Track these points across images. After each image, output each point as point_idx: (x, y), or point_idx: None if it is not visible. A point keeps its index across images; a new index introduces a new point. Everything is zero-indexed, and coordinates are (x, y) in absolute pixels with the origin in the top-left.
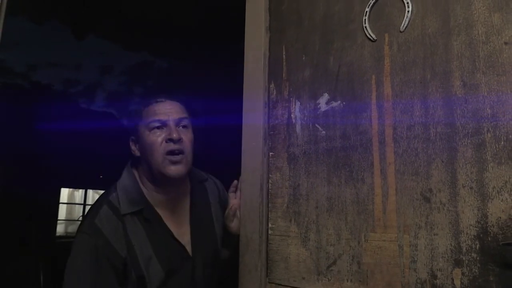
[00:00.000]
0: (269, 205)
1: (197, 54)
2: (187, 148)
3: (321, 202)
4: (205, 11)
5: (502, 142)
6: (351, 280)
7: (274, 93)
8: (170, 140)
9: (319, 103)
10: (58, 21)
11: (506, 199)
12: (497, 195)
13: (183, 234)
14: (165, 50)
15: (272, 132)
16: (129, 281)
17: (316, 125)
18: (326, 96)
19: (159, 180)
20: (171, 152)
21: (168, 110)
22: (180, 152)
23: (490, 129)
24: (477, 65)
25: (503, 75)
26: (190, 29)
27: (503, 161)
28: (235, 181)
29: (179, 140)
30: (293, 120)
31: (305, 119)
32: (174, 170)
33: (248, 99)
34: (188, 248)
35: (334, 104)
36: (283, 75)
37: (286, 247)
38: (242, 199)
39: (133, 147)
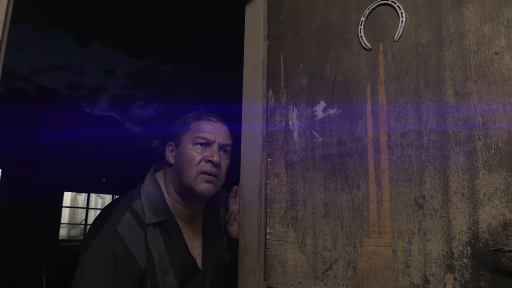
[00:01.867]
0: (267, 210)
1: (200, 60)
2: (222, 173)
3: (318, 208)
4: (209, 18)
5: (493, 150)
6: (346, 285)
7: (272, 100)
8: (210, 161)
9: (316, 111)
10: (63, 29)
11: (497, 205)
12: (488, 201)
13: (195, 247)
14: (168, 57)
15: (270, 139)
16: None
17: (313, 132)
18: (322, 104)
19: (186, 193)
20: (207, 173)
21: (217, 132)
22: (215, 176)
23: (481, 137)
24: (469, 75)
25: (493, 84)
26: (194, 35)
27: (493, 168)
28: (235, 187)
29: (218, 165)
30: (291, 127)
31: (302, 126)
32: (206, 188)
33: (247, 106)
34: (199, 261)
35: (331, 111)
36: (281, 82)
37: (283, 251)
38: (241, 204)
39: (169, 153)
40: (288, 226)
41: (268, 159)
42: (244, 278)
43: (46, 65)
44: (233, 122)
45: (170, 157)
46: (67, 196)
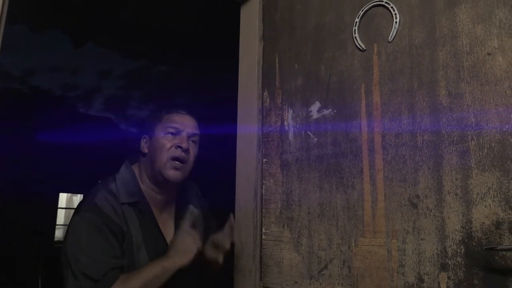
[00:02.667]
0: (263, 210)
1: (196, 61)
2: (190, 159)
3: (313, 208)
4: (204, 19)
5: (486, 150)
6: (342, 284)
7: (268, 100)
8: (179, 147)
9: (311, 111)
10: (57, 30)
11: (490, 205)
12: (481, 201)
13: (168, 233)
14: (164, 58)
15: (265, 139)
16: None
17: (308, 132)
18: (317, 104)
19: (157, 179)
20: (176, 158)
21: (185, 123)
22: (184, 161)
23: (474, 137)
24: (462, 75)
25: (486, 84)
26: (189, 36)
27: (486, 168)
28: (231, 218)
29: (186, 150)
30: (286, 128)
31: (298, 126)
32: (173, 174)
33: (242, 107)
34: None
35: (326, 112)
36: (276, 83)
37: (279, 251)
38: (237, 205)
39: (143, 144)
40: (283, 226)
41: (264, 160)
42: (240, 279)
43: (41, 65)
44: (230, 123)
45: (145, 147)
46: (63, 197)
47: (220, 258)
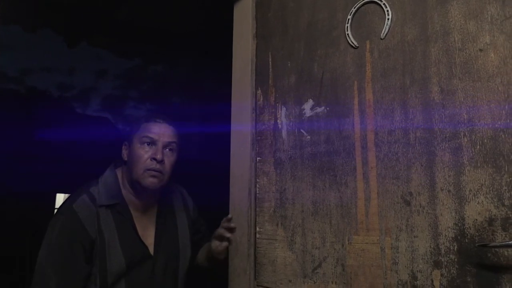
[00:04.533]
0: (257, 209)
1: (191, 60)
2: (166, 169)
3: (307, 206)
4: (198, 19)
5: (478, 146)
6: (335, 282)
7: (261, 99)
8: (154, 159)
9: (304, 109)
10: (51, 30)
11: (482, 201)
12: (473, 198)
13: (147, 236)
14: (159, 57)
15: (259, 138)
16: (94, 263)
17: (301, 130)
18: (310, 102)
19: (136, 186)
20: (152, 169)
21: (161, 132)
22: (159, 172)
23: (466, 134)
24: (454, 72)
25: (478, 81)
26: (184, 36)
27: (479, 164)
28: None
29: (161, 161)
30: (279, 126)
31: (291, 124)
32: (150, 183)
33: (236, 105)
34: (151, 249)
35: (318, 109)
36: (270, 81)
37: (273, 250)
38: (231, 203)
39: (124, 151)
40: (277, 224)
41: (258, 158)
42: (235, 278)
43: (36, 66)
44: (225, 121)
45: (125, 155)
46: (60, 198)
47: (224, 245)
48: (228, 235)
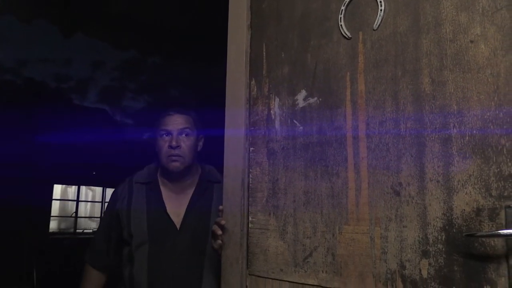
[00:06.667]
0: (250, 199)
1: (188, 52)
2: (185, 151)
3: (298, 196)
4: (193, 11)
5: (467, 137)
6: (326, 271)
7: (255, 89)
8: (170, 147)
9: (297, 99)
10: (46, 20)
11: (470, 192)
12: (462, 188)
13: (177, 213)
14: (155, 49)
15: (252, 128)
16: (123, 226)
17: (294, 121)
18: (303, 93)
19: (165, 171)
20: (171, 155)
21: (174, 122)
22: (178, 155)
23: (456, 125)
24: (445, 63)
25: (468, 72)
26: (179, 28)
27: (467, 155)
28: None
29: (177, 147)
30: (273, 116)
31: (284, 115)
32: (173, 167)
33: (230, 95)
34: (178, 224)
35: (311, 100)
36: (263, 71)
37: (265, 240)
38: (225, 193)
39: (156, 148)
40: (269, 214)
41: (251, 148)
42: (227, 267)
43: (32, 57)
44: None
45: (156, 148)
46: (57, 189)
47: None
48: (219, 232)
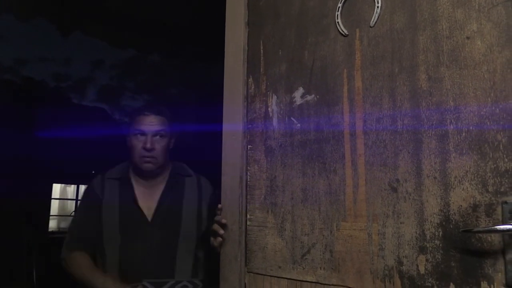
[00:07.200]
0: (248, 196)
1: (187, 51)
2: (159, 153)
3: (296, 193)
4: (192, 9)
5: (464, 134)
6: (324, 268)
7: (253, 87)
8: (144, 148)
9: (294, 97)
10: (44, 18)
11: (467, 188)
12: (458, 184)
13: (149, 207)
14: (154, 48)
15: (250, 126)
16: (97, 224)
17: (292, 118)
18: (301, 90)
19: (137, 169)
20: (144, 156)
21: (149, 123)
22: (151, 157)
23: (452, 121)
24: (441, 59)
25: (465, 68)
26: (178, 27)
27: (464, 151)
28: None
29: (151, 149)
30: (270, 114)
31: (281, 112)
32: (146, 167)
33: (228, 93)
34: (149, 217)
35: (309, 97)
36: (261, 69)
37: (263, 237)
38: (223, 191)
39: (128, 143)
40: (267, 211)
41: (249, 146)
42: (226, 264)
43: (31, 56)
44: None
45: (128, 144)
46: (56, 188)
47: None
48: (221, 232)
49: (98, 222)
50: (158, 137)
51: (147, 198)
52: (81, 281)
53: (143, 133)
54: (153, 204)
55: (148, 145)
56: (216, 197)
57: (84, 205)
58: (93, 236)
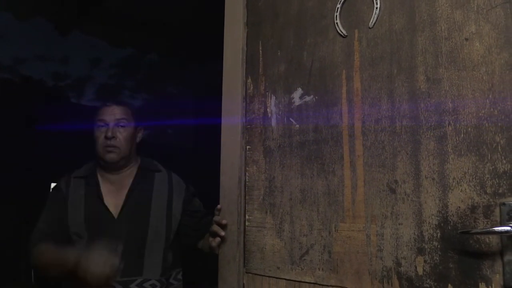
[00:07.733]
0: (246, 197)
1: (184, 51)
2: (121, 142)
3: (295, 194)
4: (191, 9)
5: (462, 135)
6: (322, 269)
7: (251, 87)
8: (106, 137)
9: (293, 98)
10: (42, 17)
11: (465, 189)
12: (457, 185)
13: (115, 204)
14: (153, 46)
15: (249, 126)
16: (63, 223)
17: (290, 119)
18: (299, 91)
19: (102, 162)
20: (107, 146)
21: (110, 113)
22: (114, 146)
23: (451, 122)
24: (440, 61)
25: (463, 70)
26: (178, 26)
27: (462, 153)
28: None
29: (113, 138)
30: (269, 114)
31: (280, 113)
32: (109, 158)
33: (227, 94)
34: (115, 214)
35: (307, 98)
36: (260, 70)
37: (262, 238)
38: (221, 192)
39: (94, 135)
40: (266, 212)
41: (247, 146)
42: (225, 265)
43: (30, 55)
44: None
45: (94, 138)
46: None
47: (217, 241)
48: (222, 233)
49: (64, 221)
50: (119, 127)
51: (113, 195)
52: (52, 268)
53: (105, 124)
54: (120, 201)
55: (110, 134)
56: (190, 193)
57: (50, 205)
58: (59, 235)
